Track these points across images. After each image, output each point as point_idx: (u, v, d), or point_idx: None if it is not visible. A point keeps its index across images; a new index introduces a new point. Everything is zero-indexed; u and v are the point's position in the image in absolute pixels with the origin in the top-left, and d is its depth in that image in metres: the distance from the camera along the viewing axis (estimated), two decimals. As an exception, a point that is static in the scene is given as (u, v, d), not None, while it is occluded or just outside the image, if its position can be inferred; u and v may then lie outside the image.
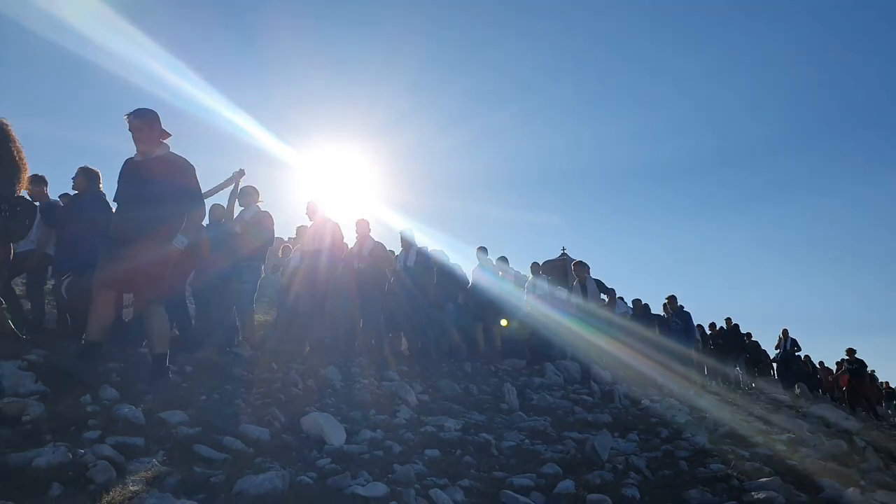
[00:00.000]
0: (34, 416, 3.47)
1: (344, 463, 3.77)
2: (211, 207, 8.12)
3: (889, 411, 21.80)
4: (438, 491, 3.42)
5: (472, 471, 4.18)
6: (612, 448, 5.15)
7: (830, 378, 20.28)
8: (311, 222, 8.81)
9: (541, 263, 13.38)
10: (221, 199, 8.05)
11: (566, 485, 3.96)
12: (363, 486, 3.30)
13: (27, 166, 4.84)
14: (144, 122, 4.68)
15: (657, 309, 15.24)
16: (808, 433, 7.41)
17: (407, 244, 10.19)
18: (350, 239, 9.34)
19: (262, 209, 8.05)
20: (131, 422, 3.74)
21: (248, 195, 8.03)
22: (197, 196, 4.85)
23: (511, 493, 3.66)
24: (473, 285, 10.92)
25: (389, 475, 3.69)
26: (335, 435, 4.29)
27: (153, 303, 4.73)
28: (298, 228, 10.16)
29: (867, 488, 4.65)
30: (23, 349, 4.74)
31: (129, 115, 4.68)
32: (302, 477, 3.32)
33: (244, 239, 7.71)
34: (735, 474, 4.71)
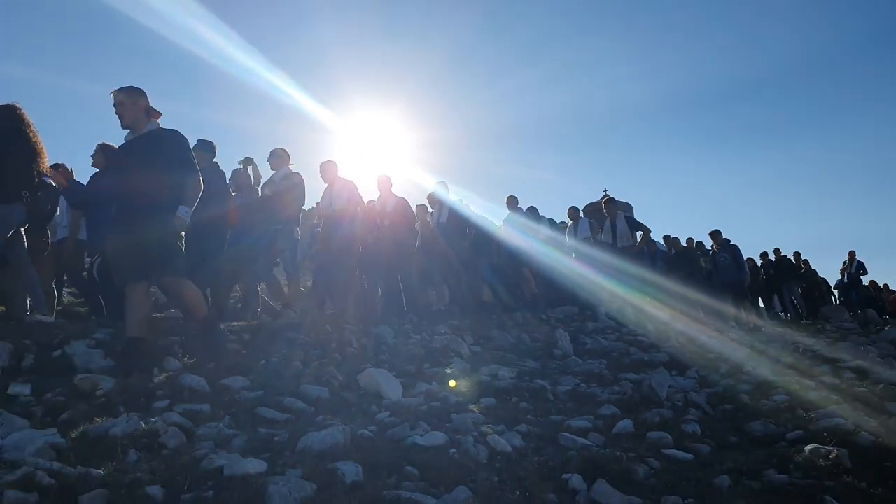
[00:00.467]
0: (106, 390, 3.65)
1: (402, 415, 3.84)
2: (234, 172, 7.98)
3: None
4: (496, 437, 3.46)
5: (528, 416, 4.22)
6: (670, 386, 5.12)
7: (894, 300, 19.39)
8: (326, 184, 8.46)
9: (581, 207, 12.97)
10: (226, 165, 7.92)
11: (625, 424, 3.97)
12: (422, 436, 3.37)
13: (44, 151, 4.85)
14: (127, 97, 4.61)
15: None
16: (878, 359, 7.20)
17: (439, 201, 9.98)
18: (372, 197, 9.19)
19: (294, 170, 7.87)
20: (196, 390, 3.89)
21: (278, 157, 7.89)
22: (189, 165, 4.71)
23: (569, 435, 3.68)
24: (502, 239, 10.60)
25: (447, 424, 3.76)
26: (392, 389, 4.38)
27: (174, 279, 4.68)
28: (317, 205, 9.90)
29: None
30: (90, 329, 4.96)
31: (113, 91, 4.63)
32: (362, 431, 3.40)
33: (276, 202, 7.56)
34: (800, 404, 4.63)
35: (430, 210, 10.40)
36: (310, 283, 10.33)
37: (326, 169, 8.33)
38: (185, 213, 4.55)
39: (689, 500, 2.84)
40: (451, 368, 5.35)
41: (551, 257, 10.85)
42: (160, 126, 4.78)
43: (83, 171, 11.88)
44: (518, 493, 2.80)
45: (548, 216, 12.04)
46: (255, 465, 2.60)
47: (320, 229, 8.97)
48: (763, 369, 6.09)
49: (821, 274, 17.90)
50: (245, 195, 7.75)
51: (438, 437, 3.33)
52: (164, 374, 4.16)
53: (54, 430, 2.83)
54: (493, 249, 10.27)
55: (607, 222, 10.89)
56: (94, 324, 5.29)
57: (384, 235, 8.71)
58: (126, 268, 4.56)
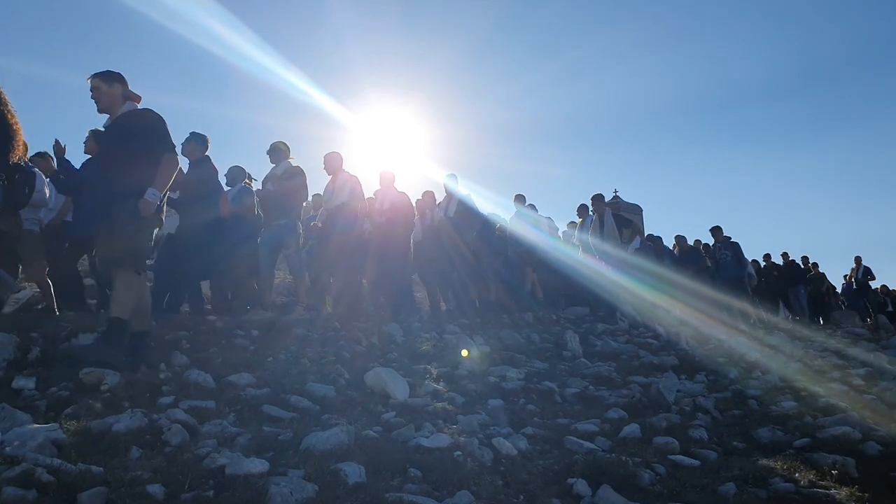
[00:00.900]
0: (112, 385, 3.65)
1: (408, 416, 3.83)
2: (230, 169, 7.88)
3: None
4: (502, 439, 3.44)
5: (535, 418, 4.20)
6: (678, 390, 5.09)
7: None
8: (329, 177, 8.19)
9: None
10: (215, 158, 7.74)
11: (632, 429, 3.93)
12: (427, 437, 3.35)
13: (21, 131, 4.65)
14: (102, 82, 4.47)
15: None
16: (888, 365, 7.13)
17: (448, 194, 9.62)
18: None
19: (294, 164, 7.72)
20: (202, 386, 3.90)
21: (278, 151, 7.74)
22: (164, 142, 4.50)
23: (575, 438, 3.66)
24: (511, 235, 10.50)
25: (453, 426, 3.74)
26: (399, 389, 4.36)
27: (119, 267, 4.30)
28: (315, 196, 9.78)
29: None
30: (97, 322, 4.96)
31: (89, 76, 4.51)
32: (367, 431, 3.39)
33: (278, 197, 7.45)
34: (808, 411, 4.58)
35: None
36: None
37: (331, 160, 8.13)
38: (153, 196, 4.30)
39: (694, 507, 2.81)
40: (459, 368, 5.33)
41: (564, 253, 10.77)
42: (137, 107, 4.61)
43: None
44: (522, 497, 2.78)
45: (561, 215, 11.93)
46: (257, 465, 2.59)
47: (317, 221, 8.79)
48: (773, 374, 6.03)
49: (831, 278, 17.75)
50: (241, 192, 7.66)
51: (443, 439, 3.31)
52: (171, 370, 4.18)
53: (56, 426, 2.82)
54: (500, 246, 10.16)
55: (596, 218, 10.71)
56: (103, 317, 5.29)
57: (381, 232, 8.46)
58: (104, 254, 4.52)
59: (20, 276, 6.43)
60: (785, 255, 16.44)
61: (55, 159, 6.69)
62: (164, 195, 4.49)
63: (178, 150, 5.61)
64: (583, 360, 6.52)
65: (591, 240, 10.59)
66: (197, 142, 6.97)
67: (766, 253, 16.75)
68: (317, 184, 7.96)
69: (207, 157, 7.06)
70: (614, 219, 10.60)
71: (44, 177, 6.19)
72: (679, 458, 3.43)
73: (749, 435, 4.04)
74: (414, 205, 9.21)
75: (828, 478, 3.17)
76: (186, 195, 6.78)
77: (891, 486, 3.18)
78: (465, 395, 4.56)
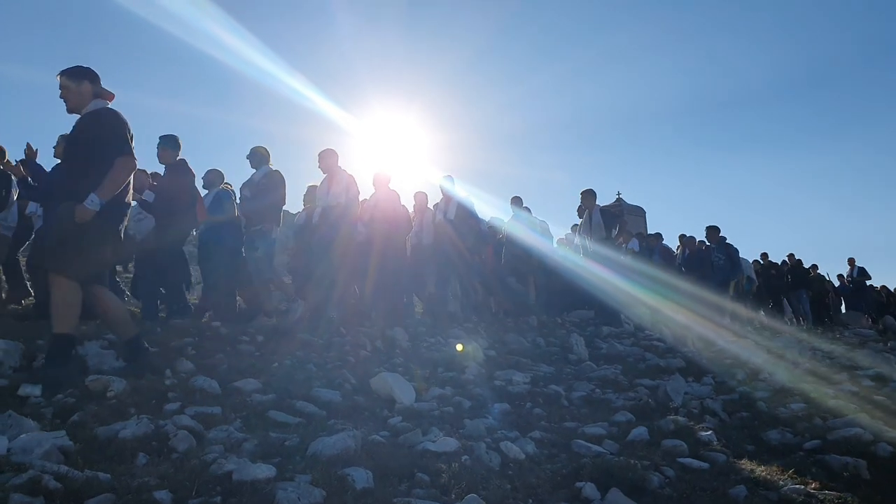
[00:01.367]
0: (118, 392, 3.65)
1: (414, 420, 3.81)
2: (207, 173, 7.79)
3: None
4: (509, 443, 3.42)
5: (542, 422, 4.18)
6: (685, 392, 5.06)
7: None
8: (324, 175, 7.97)
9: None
10: (217, 164, 7.87)
11: (639, 431, 3.90)
12: (434, 441, 3.33)
13: None
14: (70, 80, 4.25)
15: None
16: (897, 367, 7.09)
17: (445, 196, 9.40)
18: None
19: (273, 169, 7.57)
20: (208, 392, 3.90)
21: (258, 156, 7.58)
22: (116, 144, 4.18)
23: (583, 442, 3.63)
24: (509, 238, 10.37)
25: (460, 430, 3.73)
26: (405, 393, 4.34)
27: (56, 277, 3.98)
28: (310, 188, 9.20)
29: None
30: (103, 329, 4.96)
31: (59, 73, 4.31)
32: (374, 436, 3.38)
33: (255, 203, 7.32)
34: (817, 413, 4.55)
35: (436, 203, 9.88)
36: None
37: (326, 157, 7.91)
38: (92, 203, 3.97)
39: (705, 510, 2.79)
40: (465, 373, 5.31)
41: (562, 257, 10.73)
42: (107, 105, 4.38)
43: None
44: (530, 501, 2.77)
45: (564, 219, 11.86)
46: (264, 471, 2.58)
47: (314, 218, 8.31)
48: (780, 375, 6.00)
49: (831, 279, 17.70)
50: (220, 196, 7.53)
51: (451, 444, 3.29)
52: (177, 376, 4.17)
53: (63, 433, 2.82)
54: (501, 249, 10.06)
55: (586, 214, 10.61)
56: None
57: (374, 235, 8.22)
58: (34, 259, 4.31)
59: None
60: (791, 256, 16.37)
61: (26, 163, 6.62)
62: (126, 202, 4.33)
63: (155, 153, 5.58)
64: (589, 363, 6.50)
65: (579, 238, 10.53)
66: (169, 145, 6.79)
67: (763, 252, 16.69)
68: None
69: (183, 160, 6.89)
70: (602, 215, 10.46)
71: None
72: (688, 460, 3.41)
73: (758, 437, 4.01)
74: (411, 207, 9.12)
75: (839, 480, 3.14)
76: (162, 201, 6.69)
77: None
78: (472, 400, 4.54)
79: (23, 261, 7.46)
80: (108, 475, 2.43)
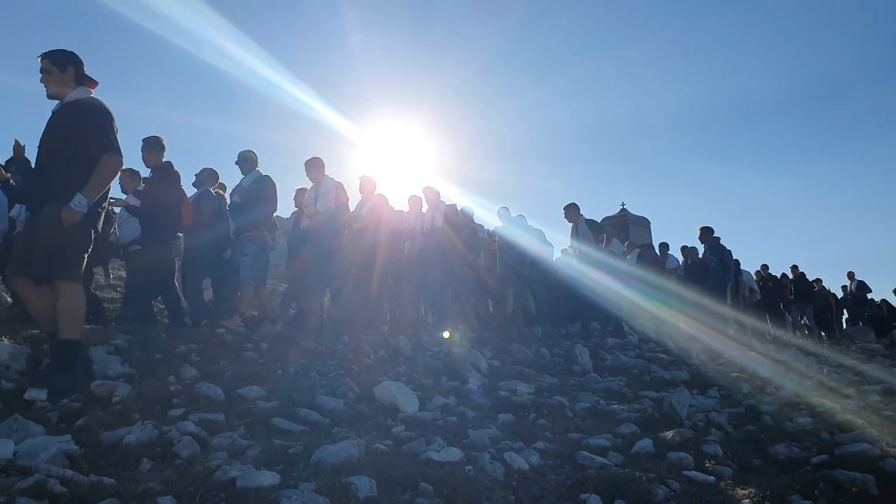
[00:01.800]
0: (123, 397, 3.65)
1: (418, 430, 3.81)
2: (201, 171, 7.69)
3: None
4: (513, 454, 3.41)
5: (546, 433, 4.16)
6: (691, 405, 5.03)
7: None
8: (312, 183, 7.82)
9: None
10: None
11: (644, 444, 3.88)
12: (437, 451, 3.33)
13: None
14: (52, 63, 4.03)
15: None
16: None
17: (432, 203, 9.03)
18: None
19: (263, 174, 7.39)
20: (212, 399, 3.90)
21: (248, 161, 7.41)
22: (103, 141, 3.97)
23: (587, 453, 3.62)
24: (501, 248, 10.12)
25: (464, 440, 3.72)
26: (408, 403, 4.34)
27: (60, 283, 3.89)
28: (298, 190, 8.96)
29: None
30: (108, 335, 4.98)
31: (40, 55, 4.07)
32: (377, 445, 3.37)
33: (245, 209, 7.17)
34: (825, 427, 4.52)
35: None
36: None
37: (313, 167, 7.74)
38: (79, 204, 3.79)
39: (711, 524, 2.77)
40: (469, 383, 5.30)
41: (567, 265, 10.64)
42: (91, 94, 4.16)
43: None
44: (534, 512, 2.75)
45: (567, 228, 11.73)
46: (268, 478, 2.57)
47: (302, 225, 8.16)
48: (787, 389, 5.96)
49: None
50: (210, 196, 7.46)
51: (454, 454, 3.29)
52: (181, 383, 4.17)
53: (69, 437, 2.82)
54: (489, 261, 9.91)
55: (572, 227, 10.52)
56: (114, 329, 5.31)
57: (360, 241, 7.97)
58: (12, 258, 4.03)
59: None
60: (794, 268, 16.29)
61: (14, 161, 6.53)
62: (105, 200, 4.13)
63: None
64: (593, 374, 6.47)
65: (575, 243, 10.51)
66: (154, 148, 6.64)
67: (763, 264, 16.60)
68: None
69: (169, 163, 6.75)
70: (587, 225, 10.41)
71: None
72: (693, 473, 3.38)
73: (765, 451, 3.98)
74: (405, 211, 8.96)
75: (847, 495, 3.11)
76: (148, 205, 6.59)
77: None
78: (476, 410, 4.53)
79: None
80: (113, 480, 2.44)
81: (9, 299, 7.05)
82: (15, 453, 2.56)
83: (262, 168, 7.52)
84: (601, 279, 9.83)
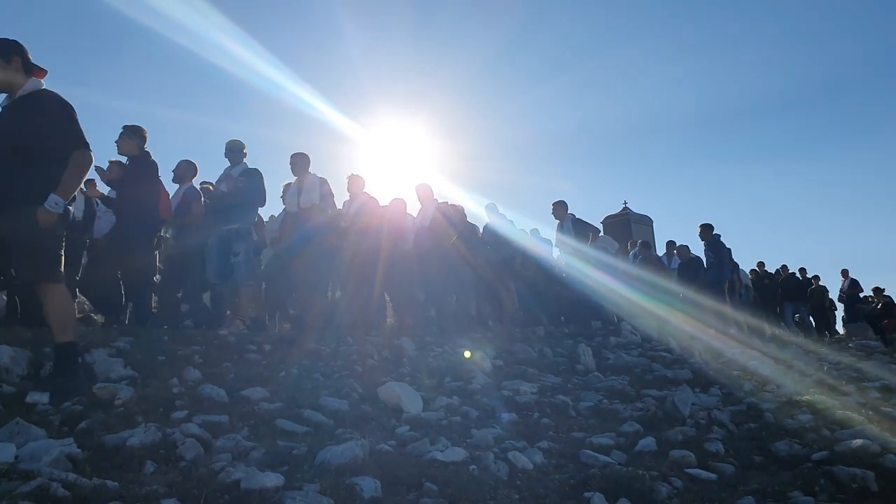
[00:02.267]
0: (125, 400, 3.65)
1: (422, 430, 3.81)
2: (178, 164, 7.39)
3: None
4: (517, 453, 3.41)
5: (550, 432, 4.17)
6: (693, 403, 5.03)
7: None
8: (296, 178, 7.69)
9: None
10: (215, 163, 7.57)
11: (647, 442, 3.89)
12: (442, 451, 3.33)
13: None
14: None
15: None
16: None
17: (425, 201, 8.79)
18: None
19: (251, 166, 7.22)
20: (215, 401, 3.90)
21: (236, 151, 7.25)
22: (76, 139, 3.79)
23: (591, 452, 3.63)
24: (491, 244, 9.91)
25: (467, 440, 3.72)
26: (412, 403, 4.34)
27: (43, 284, 3.77)
28: (285, 186, 8.49)
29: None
30: (111, 337, 4.97)
31: None
32: (382, 445, 3.37)
33: (232, 200, 7.00)
34: (825, 424, 4.53)
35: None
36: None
37: (297, 161, 7.58)
38: (55, 205, 3.63)
39: (715, 522, 2.77)
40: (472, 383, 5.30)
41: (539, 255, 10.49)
42: (43, 86, 3.91)
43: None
44: (538, 511, 2.75)
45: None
46: (272, 479, 2.57)
47: (277, 230, 8.07)
48: (788, 387, 5.98)
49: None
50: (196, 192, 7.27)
51: (458, 453, 3.29)
52: (184, 385, 4.17)
53: (71, 440, 2.82)
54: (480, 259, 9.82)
55: (558, 224, 10.64)
56: (116, 332, 5.30)
57: (349, 239, 7.79)
58: (27, 274, 3.86)
59: None
60: (784, 267, 16.30)
61: None
62: (72, 198, 3.87)
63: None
64: (596, 373, 6.48)
65: (559, 236, 10.62)
66: (132, 136, 6.37)
67: (759, 262, 16.65)
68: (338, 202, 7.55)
69: (147, 152, 6.48)
70: (573, 224, 10.43)
71: None
72: (696, 471, 3.40)
73: (766, 448, 3.98)
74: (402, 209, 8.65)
75: (848, 491, 3.12)
76: (123, 197, 6.39)
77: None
78: (479, 409, 4.53)
79: None
80: (117, 483, 2.43)
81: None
82: (17, 457, 2.56)
83: (269, 168, 7.45)
84: (589, 272, 9.91)
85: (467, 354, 5.32)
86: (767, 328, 13.12)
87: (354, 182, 8.30)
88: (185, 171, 7.37)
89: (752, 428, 4.54)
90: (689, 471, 3.40)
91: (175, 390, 4.03)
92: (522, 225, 10.99)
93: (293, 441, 3.37)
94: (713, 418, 4.67)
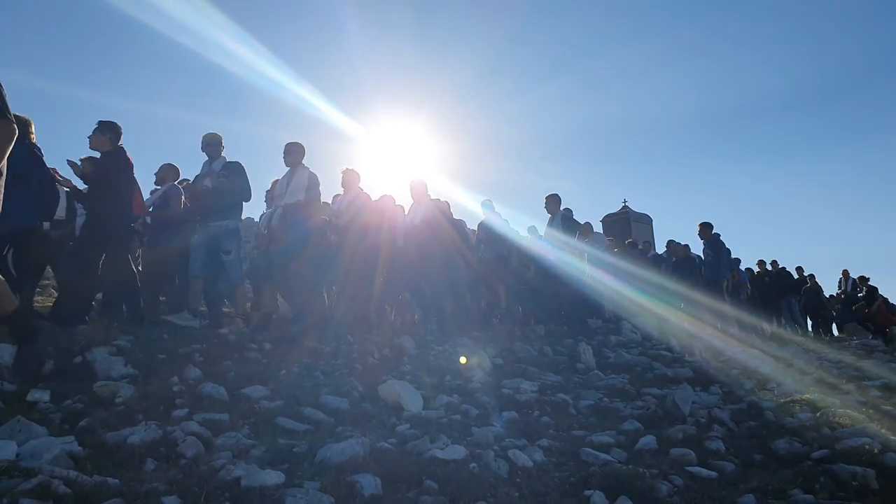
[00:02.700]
0: (126, 398, 3.65)
1: (422, 428, 3.81)
2: (160, 168, 7.40)
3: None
4: (517, 451, 3.41)
5: (550, 431, 4.17)
6: (693, 402, 5.03)
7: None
8: (287, 169, 7.40)
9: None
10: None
11: (648, 440, 3.89)
12: (442, 449, 3.33)
13: None
14: None
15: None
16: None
17: (417, 197, 8.56)
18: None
19: (231, 160, 6.99)
20: (216, 399, 3.90)
21: (214, 144, 7.04)
22: None
23: (591, 450, 3.63)
24: (484, 241, 9.96)
25: (468, 438, 3.72)
26: (412, 401, 4.34)
27: None
28: (274, 183, 8.32)
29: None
30: (112, 335, 4.98)
31: None
32: (382, 443, 3.37)
33: (217, 196, 6.80)
34: (825, 422, 4.53)
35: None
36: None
37: (291, 151, 7.32)
38: None
39: (715, 520, 2.78)
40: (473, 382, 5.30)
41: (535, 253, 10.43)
42: None
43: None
44: (538, 509, 2.75)
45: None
46: (272, 477, 2.58)
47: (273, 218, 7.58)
48: (788, 385, 5.97)
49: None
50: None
51: (459, 451, 3.29)
52: (185, 383, 4.18)
53: (72, 438, 2.82)
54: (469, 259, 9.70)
55: (549, 218, 10.64)
56: (117, 330, 5.30)
57: (345, 238, 7.70)
58: None
59: None
60: (774, 263, 16.34)
61: None
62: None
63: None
64: (596, 372, 6.48)
65: (548, 230, 10.63)
66: (104, 132, 6.12)
67: (759, 260, 16.66)
68: (327, 196, 7.46)
69: (121, 148, 6.21)
70: (563, 221, 10.41)
71: None
72: (696, 469, 3.40)
73: (766, 446, 3.98)
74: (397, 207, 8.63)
75: (848, 489, 3.12)
76: (93, 192, 6.21)
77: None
78: (479, 408, 4.53)
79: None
80: (117, 480, 2.44)
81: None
82: (18, 455, 2.57)
83: (269, 168, 7.38)
84: (578, 265, 9.95)
85: (463, 360, 5.30)
86: (767, 326, 13.12)
87: (349, 176, 8.19)
88: (166, 173, 7.41)
89: (753, 426, 4.54)
90: (690, 469, 3.40)
91: (175, 388, 4.03)
92: (521, 223, 11.07)
93: (293, 439, 3.38)
94: (713, 417, 4.67)
